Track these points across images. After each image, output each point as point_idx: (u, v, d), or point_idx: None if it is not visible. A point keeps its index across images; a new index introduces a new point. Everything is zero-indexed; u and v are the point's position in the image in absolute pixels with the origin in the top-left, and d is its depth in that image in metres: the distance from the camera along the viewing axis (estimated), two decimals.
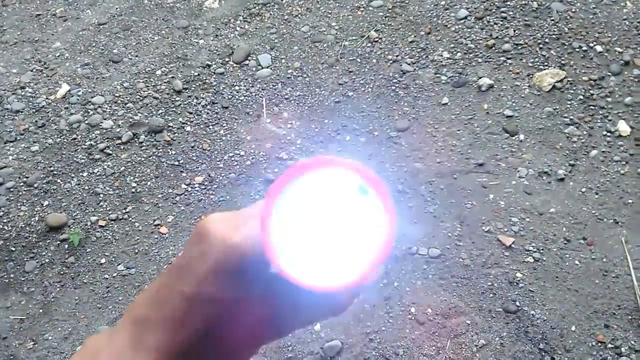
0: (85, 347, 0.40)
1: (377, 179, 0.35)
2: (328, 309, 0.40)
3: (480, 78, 2.25)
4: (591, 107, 2.14)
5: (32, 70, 2.48)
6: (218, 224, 0.37)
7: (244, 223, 0.37)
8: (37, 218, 2.10)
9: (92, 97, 2.36)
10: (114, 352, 0.38)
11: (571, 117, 2.12)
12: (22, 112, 2.36)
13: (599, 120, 2.11)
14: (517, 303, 1.79)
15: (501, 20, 2.40)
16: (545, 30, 2.34)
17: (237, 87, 2.35)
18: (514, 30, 2.36)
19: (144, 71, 2.42)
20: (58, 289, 1.96)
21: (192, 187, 2.13)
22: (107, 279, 1.96)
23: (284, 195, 0.34)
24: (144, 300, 0.39)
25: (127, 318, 0.39)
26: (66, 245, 2.04)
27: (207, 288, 0.37)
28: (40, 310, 1.93)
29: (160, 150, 2.22)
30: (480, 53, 2.32)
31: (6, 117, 2.36)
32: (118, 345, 0.39)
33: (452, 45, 2.35)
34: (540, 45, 2.31)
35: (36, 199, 2.15)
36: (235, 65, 2.42)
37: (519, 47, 2.32)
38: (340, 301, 0.40)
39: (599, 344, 1.71)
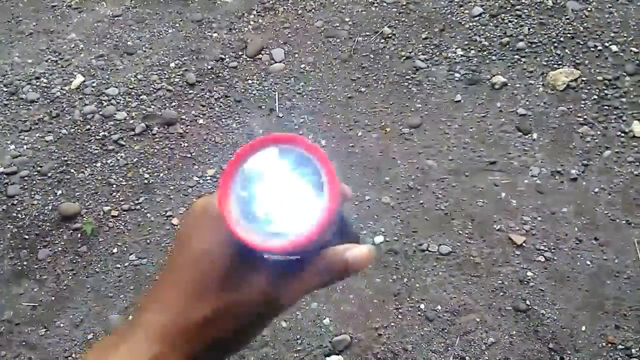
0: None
1: (316, 148, 0.39)
2: (317, 282, 0.43)
3: (494, 76, 2.24)
4: (605, 107, 2.12)
5: (47, 61, 2.50)
6: (201, 201, 0.43)
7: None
8: (50, 207, 2.12)
9: (106, 89, 2.38)
10: (119, 335, 0.41)
11: (585, 116, 2.11)
12: (36, 102, 2.38)
13: (613, 121, 2.09)
14: (527, 302, 1.79)
15: (516, 18, 2.39)
16: (560, 28, 2.33)
17: (250, 81, 2.36)
18: (529, 29, 2.35)
19: (157, 63, 2.44)
20: (70, 277, 1.98)
21: (203, 179, 2.14)
22: (119, 268, 1.98)
23: (239, 167, 0.39)
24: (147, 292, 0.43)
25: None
26: (79, 235, 2.05)
27: (193, 253, 0.41)
28: (53, 298, 1.95)
29: (173, 142, 2.23)
30: (494, 51, 2.31)
31: (21, 106, 2.38)
32: (121, 330, 0.41)
33: (466, 43, 2.35)
34: (555, 44, 2.30)
35: (50, 188, 2.17)
36: (248, 59, 2.42)
37: (534, 46, 2.30)
38: (326, 277, 0.43)
39: (609, 345, 1.70)
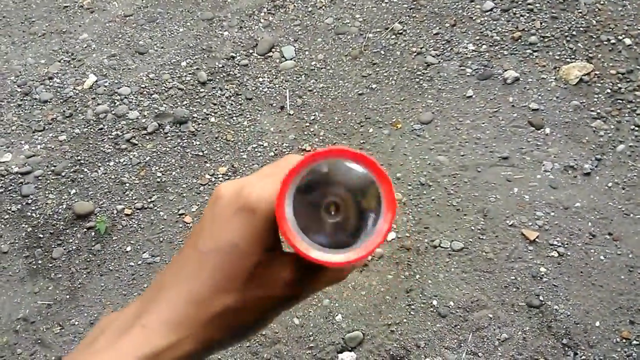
0: (98, 323, 0.42)
1: (381, 169, 0.38)
2: (334, 278, 0.43)
3: (505, 71, 2.22)
4: (619, 100, 2.10)
5: (59, 61, 2.53)
6: (229, 187, 0.40)
7: (256, 183, 0.40)
8: (64, 206, 2.14)
9: (118, 88, 2.40)
10: (121, 321, 0.40)
11: (598, 110, 2.09)
12: (50, 102, 2.40)
13: (626, 115, 2.07)
14: (541, 297, 1.78)
15: (528, 13, 2.37)
16: (573, 22, 2.31)
17: (260, 79, 2.36)
18: (541, 23, 2.33)
19: (169, 63, 2.45)
20: (84, 276, 2.00)
21: (215, 178, 2.15)
22: (133, 266, 2.00)
23: (299, 175, 0.38)
24: (162, 271, 0.41)
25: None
26: (93, 233, 2.07)
27: (220, 243, 0.39)
28: (67, 296, 1.98)
29: (185, 140, 2.24)
30: (506, 45, 2.29)
31: (35, 106, 2.40)
32: (124, 314, 0.40)
33: (477, 38, 2.33)
34: (568, 38, 2.27)
35: (64, 187, 2.19)
36: (259, 57, 2.43)
37: (546, 40, 2.28)
38: (344, 273, 0.43)
39: (624, 340, 1.69)
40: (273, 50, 2.44)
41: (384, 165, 2.09)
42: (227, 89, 2.35)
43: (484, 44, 2.31)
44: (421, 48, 2.34)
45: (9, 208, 2.16)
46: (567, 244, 1.85)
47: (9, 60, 2.56)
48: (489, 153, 2.06)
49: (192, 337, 0.38)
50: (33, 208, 2.15)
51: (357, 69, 2.33)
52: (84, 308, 1.95)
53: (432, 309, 1.80)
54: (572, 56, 2.23)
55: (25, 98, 2.43)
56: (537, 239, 1.87)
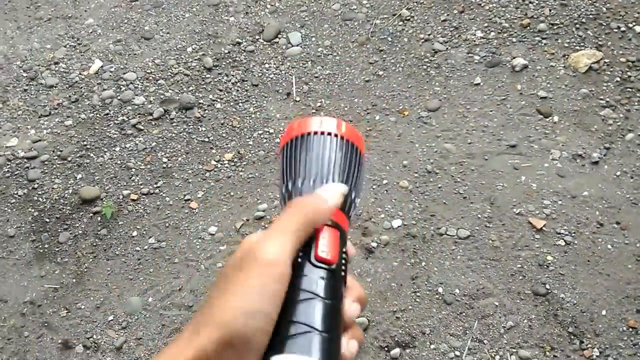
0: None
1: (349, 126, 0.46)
2: None
3: (514, 58, 2.20)
4: (628, 89, 2.08)
5: (65, 46, 2.52)
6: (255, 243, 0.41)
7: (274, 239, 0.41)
8: (70, 191, 2.15)
9: (124, 74, 2.39)
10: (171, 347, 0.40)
11: (607, 99, 2.07)
12: (56, 87, 2.40)
13: (636, 103, 2.05)
14: (547, 286, 1.77)
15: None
16: (582, 9, 2.28)
17: (267, 65, 2.35)
18: (550, 10, 2.30)
19: (175, 48, 2.44)
20: (91, 260, 2.01)
21: (221, 164, 2.15)
22: (139, 251, 2.00)
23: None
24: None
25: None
26: (99, 218, 2.08)
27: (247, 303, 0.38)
28: (74, 280, 1.98)
29: (191, 126, 2.24)
30: (515, 32, 2.27)
31: (40, 91, 2.40)
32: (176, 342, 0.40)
33: (485, 25, 2.31)
34: (577, 25, 2.25)
35: (70, 172, 2.19)
36: (265, 43, 2.41)
37: (555, 27, 2.26)
38: None
39: (630, 330, 1.69)
40: (279, 36, 2.42)
41: (391, 153, 2.08)
42: (233, 75, 2.34)
43: (492, 31, 2.29)
44: (429, 35, 2.32)
45: (15, 192, 2.17)
46: (574, 233, 1.85)
47: (15, 45, 2.55)
48: (496, 141, 2.05)
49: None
50: (39, 192, 2.16)
51: (364, 55, 2.32)
52: (90, 292, 1.96)
53: (437, 296, 1.80)
54: (582, 44, 2.21)
55: (31, 83, 2.42)
56: (544, 228, 1.86)
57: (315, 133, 0.44)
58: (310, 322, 0.37)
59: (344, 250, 0.43)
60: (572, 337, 1.70)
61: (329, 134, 0.44)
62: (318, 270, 0.40)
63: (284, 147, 0.46)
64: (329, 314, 0.38)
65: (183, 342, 0.38)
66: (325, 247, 0.41)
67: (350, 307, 0.42)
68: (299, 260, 0.40)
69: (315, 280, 0.39)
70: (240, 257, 0.41)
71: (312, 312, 0.38)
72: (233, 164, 2.14)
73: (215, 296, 0.39)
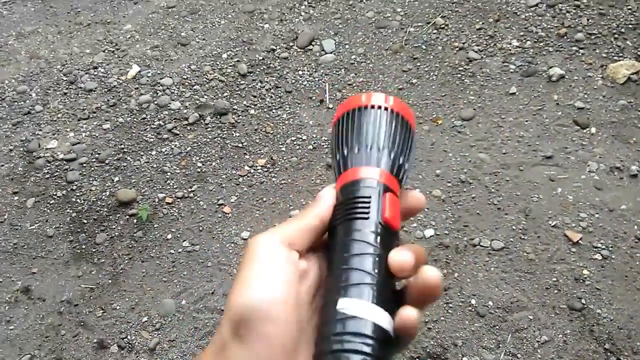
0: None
1: (404, 105, 0.48)
2: None
3: (550, 68, 2.18)
4: None
5: (104, 51, 2.58)
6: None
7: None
8: (107, 193, 2.19)
9: (160, 79, 2.43)
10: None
11: None
12: (94, 91, 2.46)
13: None
14: (583, 301, 1.75)
15: (574, 8, 2.31)
16: (621, 19, 2.25)
17: (300, 72, 2.37)
18: (588, 19, 2.27)
19: (210, 54, 2.47)
20: (126, 261, 2.05)
21: (254, 169, 2.17)
22: (173, 254, 2.03)
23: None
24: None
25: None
26: (135, 220, 2.12)
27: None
28: (109, 281, 2.02)
29: (225, 132, 2.27)
30: (551, 42, 2.25)
31: (80, 95, 2.46)
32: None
33: (521, 34, 2.29)
34: (616, 35, 2.22)
35: (107, 174, 2.24)
36: (299, 50, 2.43)
37: (593, 37, 2.23)
38: None
39: None
40: (313, 43, 2.44)
41: (424, 162, 2.07)
42: (267, 82, 2.36)
43: (528, 40, 2.27)
44: (463, 43, 2.31)
45: (54, 193, 2.23)
46: (611, 247, 1.81)
47: (56, 50, 2.62)
48: (532, 152, 2.03)
49: None
50: (77, 194, 2.21)
51: (398, 63, 2.32)
52: (125, 293, 1.99)
53: (470, 308, 1.79)
54: (620, 54, 2.17)
55: (70, 87, 2.49)
56: (580, 241, 1.83)
57: (372, 107, 0.49)
58: (366, 269, 0.41)
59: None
60: (609, 354, 1.67)
61: (380, 107, 0.49)
62: (382, 228, 0.44)
63: (340, 118, 0.51)
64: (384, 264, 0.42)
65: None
66: (390, 212, 0.45)
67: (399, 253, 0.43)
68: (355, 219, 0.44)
69: (374, 237, 0.43)
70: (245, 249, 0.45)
71: (372, 263, 0.42)
72: (266, 169, 2.16)
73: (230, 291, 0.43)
